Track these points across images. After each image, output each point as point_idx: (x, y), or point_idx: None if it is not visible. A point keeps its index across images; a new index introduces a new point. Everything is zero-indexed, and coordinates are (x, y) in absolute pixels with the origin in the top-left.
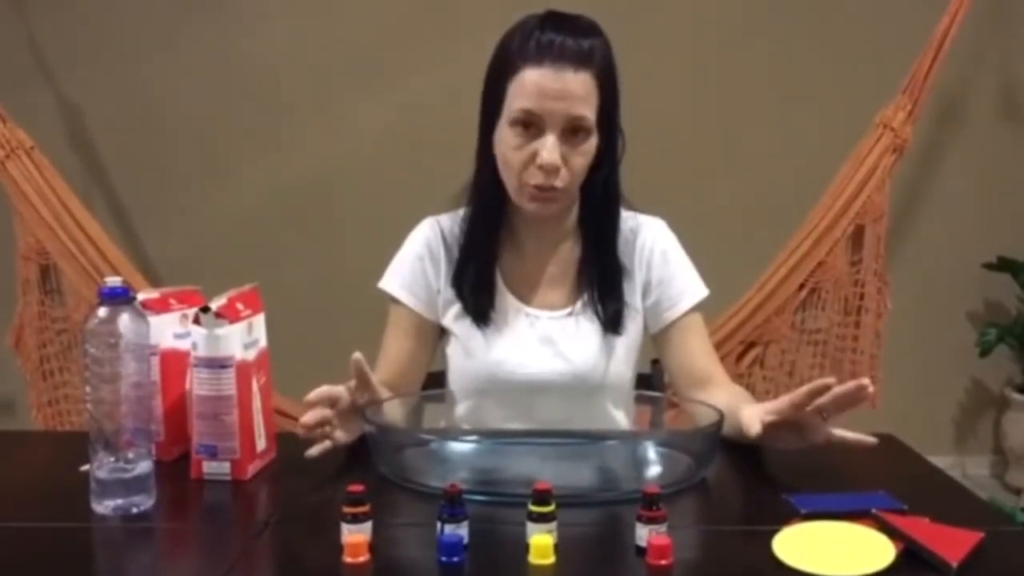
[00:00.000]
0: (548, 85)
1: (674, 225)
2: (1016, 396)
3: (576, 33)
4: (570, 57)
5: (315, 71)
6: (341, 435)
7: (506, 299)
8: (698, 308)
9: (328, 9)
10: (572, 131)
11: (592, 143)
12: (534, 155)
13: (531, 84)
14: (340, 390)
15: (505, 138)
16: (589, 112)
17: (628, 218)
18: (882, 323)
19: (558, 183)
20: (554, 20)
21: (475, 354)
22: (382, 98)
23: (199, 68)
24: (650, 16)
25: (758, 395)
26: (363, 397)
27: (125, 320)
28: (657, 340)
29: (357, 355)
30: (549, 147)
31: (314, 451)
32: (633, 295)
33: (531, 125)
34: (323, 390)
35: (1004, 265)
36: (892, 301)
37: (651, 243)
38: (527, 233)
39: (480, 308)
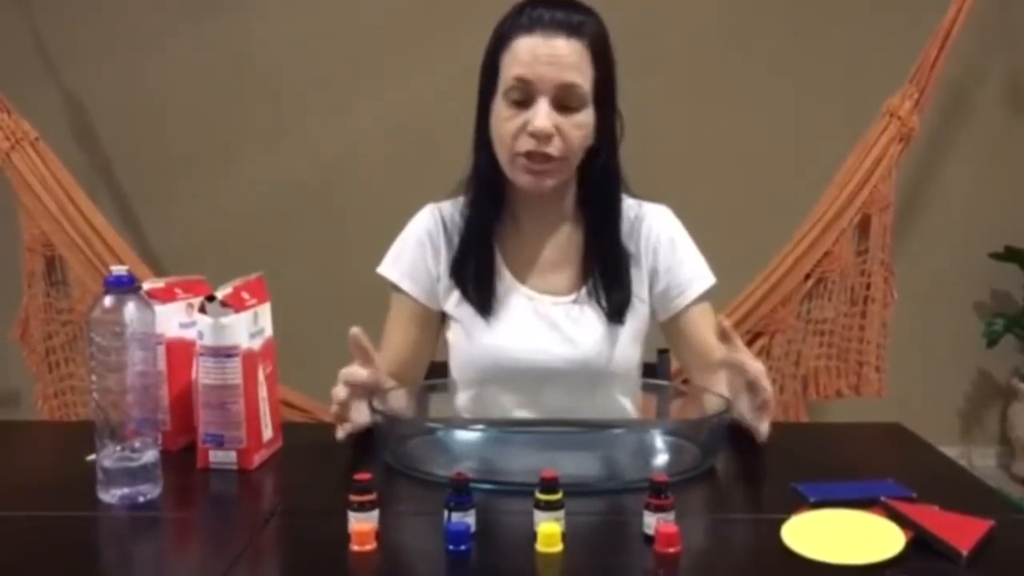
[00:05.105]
0: (540, 50)
1: (680, 215)
2: (1023, 387)
3: (567, 8)
4: (560, 25)
5: (318, 63)
6: (356, 415)
7: (509, 283)
8: (707, 295)
9: (332, 2)
10: (565, 100)
11: (587, 116)
12: (526, 124)
13: (523, 51)
14: (356, 370)
15: (499, 112)
16: (581, 80)
17: (633, 206)
18: (888, 313)
19: (551, 150)
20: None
21: (477, 338)
22: (385, 90)
23: (203, 60)
24: (656, 3)
25: None
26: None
27: (131, 309)
28: (666, 328)
29: (355, 329)
30: (540, 113)
31: (340, 433)
32: (640, 283)
33: (524, 99)
34: (348, 369)
35: (1011, 255)
36: (898, 291)
37: (657, 230)
38: (527, 216)
39: (482, 299)
